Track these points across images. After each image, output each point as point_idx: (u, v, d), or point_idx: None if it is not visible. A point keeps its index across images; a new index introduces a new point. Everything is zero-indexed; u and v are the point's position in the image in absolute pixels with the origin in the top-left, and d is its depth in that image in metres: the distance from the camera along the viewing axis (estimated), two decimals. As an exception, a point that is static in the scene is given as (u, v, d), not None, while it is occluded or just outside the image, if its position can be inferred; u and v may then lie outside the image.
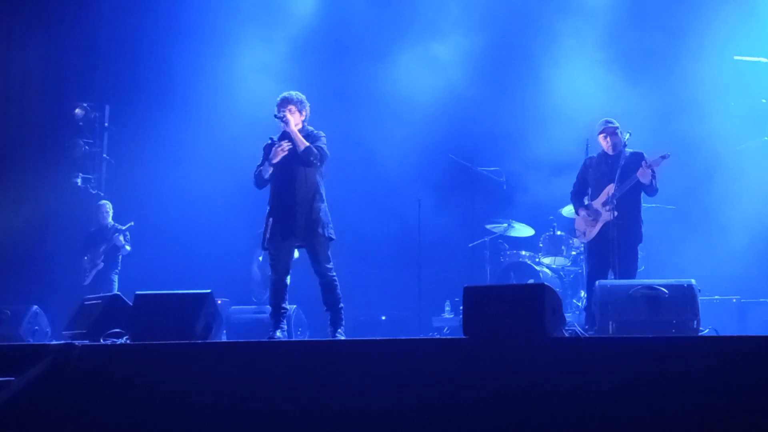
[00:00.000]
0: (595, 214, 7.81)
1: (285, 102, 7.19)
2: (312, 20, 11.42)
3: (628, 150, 7.83)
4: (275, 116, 7.12)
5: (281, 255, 7.05)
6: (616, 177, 7.60)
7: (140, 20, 11.38)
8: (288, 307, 7.26)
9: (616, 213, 7.55)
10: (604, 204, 7.72)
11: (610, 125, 7.88)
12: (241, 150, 11.11)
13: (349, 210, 10.65)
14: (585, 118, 9.42)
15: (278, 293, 7.08)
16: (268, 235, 7.02)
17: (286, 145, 7.09)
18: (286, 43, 11.34)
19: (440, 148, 10.76)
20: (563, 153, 9.70)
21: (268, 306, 7.25)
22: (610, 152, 7.85)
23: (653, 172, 7.65)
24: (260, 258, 10.78)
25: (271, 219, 7.05)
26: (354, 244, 10.64)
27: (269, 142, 7.27)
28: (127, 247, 10.21)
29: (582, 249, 9.39)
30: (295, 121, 7.14)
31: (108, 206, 10.46)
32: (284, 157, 7.07)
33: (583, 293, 9.71)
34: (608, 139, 7.86)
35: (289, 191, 7.03)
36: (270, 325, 7.12)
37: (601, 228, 7.76)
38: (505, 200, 10.55)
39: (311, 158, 7.01)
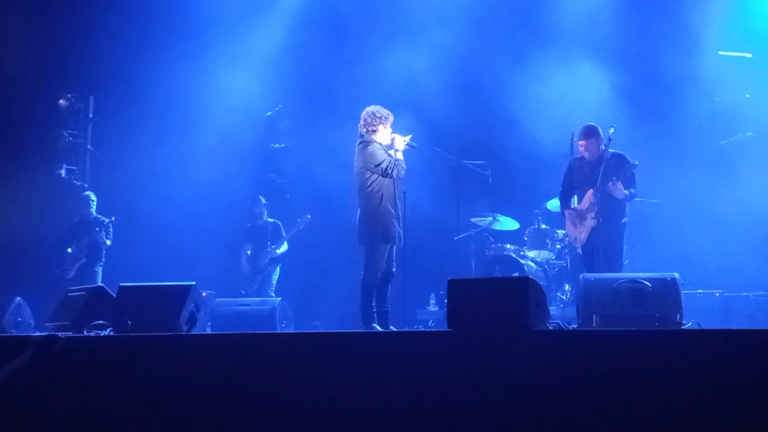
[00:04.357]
0: (580, 217, 7.85)
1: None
2: (296, 15, 11.44)
3: (611, 150, 7.86)
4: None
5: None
6: (598, 182, 7.64)
7: (125, 12, 11.32)
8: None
9: (599, 220, 7.61)
10: (587, 210, 7.76)
11: (586, 131, 7.93)
12: (227, 142, 11.10)
13: (335, 202, 10.64)
14: (570, 112, 9.46)
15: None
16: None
17: None
18: (268, 36, 11.34)
19: (426, 141, 10.75)
20: (549, 147, 9.72)
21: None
22: (587, 157, 7.91)
23: (631, 180, 7.72)
24: (249, 252, 10.74)
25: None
26: (339, 237, 10.62)
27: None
28: (108, 242, 10.16)
29: (567, 243, 9.44)
30: None
31: (92, 198, 10.40)
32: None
33: (567, 287, 9.75)
34: (584, 144, 7.92)
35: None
36: None
37: (590, 233, 7.83)
38: (491, 194, 10.55)
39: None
